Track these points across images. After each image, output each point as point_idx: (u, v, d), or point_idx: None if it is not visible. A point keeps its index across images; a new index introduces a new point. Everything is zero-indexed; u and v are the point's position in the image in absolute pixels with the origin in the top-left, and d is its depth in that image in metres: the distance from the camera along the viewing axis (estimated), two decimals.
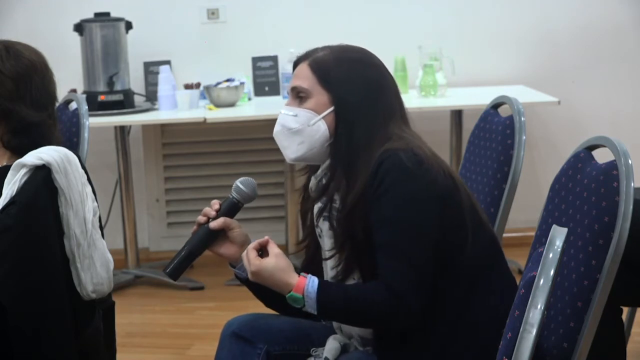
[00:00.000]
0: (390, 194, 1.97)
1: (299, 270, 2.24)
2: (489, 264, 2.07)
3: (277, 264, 2.00)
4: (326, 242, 2.13)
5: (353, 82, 2.06)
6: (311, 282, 1.98)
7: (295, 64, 2.13)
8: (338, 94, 2.06)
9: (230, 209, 2.16)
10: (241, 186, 2.15)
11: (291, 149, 2.11)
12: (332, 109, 2.06)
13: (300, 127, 2.08)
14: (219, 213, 2.15)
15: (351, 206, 2.01)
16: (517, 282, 1.99)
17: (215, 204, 2.16)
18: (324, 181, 2.11)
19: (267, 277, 2.00)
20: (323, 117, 2.07)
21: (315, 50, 2.12)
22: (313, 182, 2.15)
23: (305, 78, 2.08)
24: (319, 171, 2.14)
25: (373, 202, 1.99)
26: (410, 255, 1.96)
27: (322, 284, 1.99)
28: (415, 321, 2.00)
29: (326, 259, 2.13)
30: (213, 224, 2.12)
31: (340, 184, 2.05)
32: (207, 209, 2.16)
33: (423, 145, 2.05)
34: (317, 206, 2.13)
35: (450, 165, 4.61)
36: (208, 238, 2.12)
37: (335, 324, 2.21)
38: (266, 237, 2.05)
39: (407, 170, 1.96)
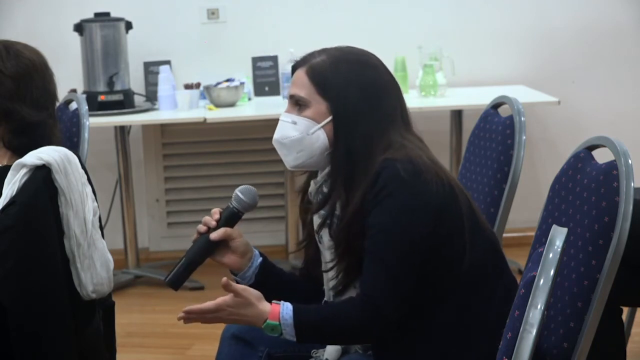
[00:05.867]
0: (386, 203, 1.96)
1: (299, 270, 2.24)
2: (489, 268, 2.07)
3: (251, 294, 1.97)
4: (326, 254, 2.13)
5: (351, 90, 2.03)
6: (285, 308, 1.96)
7: (294, 69, 2.10)
8: (336, 104, 2.04)
9: (231, 219, 2.14)
10: (241, 195, 2.12)
11: (291, 157, 2.09)
12: (330, 118, 2.04)
13: (300, 136, 2.06)
14: (220, 223, 2.13)
15: (350, 217, 2.00)
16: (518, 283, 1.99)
17: (216, 213, 2.14)
18: (324, 188, 2.10)
19: (240, 312, 1.97)
20: (322, 127, 2.05)
21: (313, 55, 2.09)
22: (313, 187, 2.14)
23: (302, 86, 2.05)
24: (319, 177, 2.12)
25: (370, 211, 1.98)
26: (393, 266, 1.95)
27: (296, 307, 1.97)
28: (391, 331, 2.00)
29: (326, 271, 2.12)
30: (214, 235, 2.10)
31: (340, 194, 2.04)
32: (207, 218, 2.14)
33: (423, 153, 2.02)
34: (318, 215, 2.12)
35: (450, 166, 4.69)
36: (208, 248, 2.11)
37: None
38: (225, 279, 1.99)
39: (403, 182, 1.95)
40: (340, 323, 1.97)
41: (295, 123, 2.06)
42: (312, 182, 2.15)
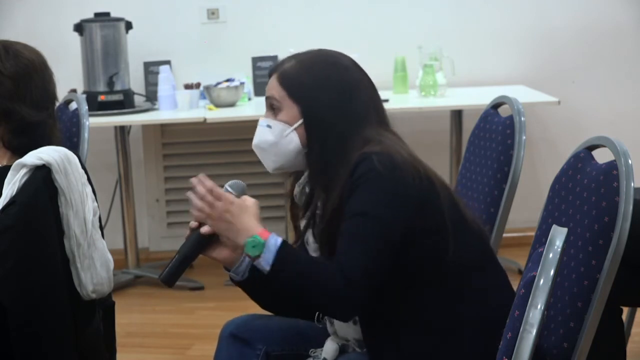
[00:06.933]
0: (361, 192, 1.96)
1: None
2: (478, 263, 2.07)
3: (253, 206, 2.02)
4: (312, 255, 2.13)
5: (320, 92, 2.06)
6: (275, 237, 1.98)
7: (269, 76, 2.14)
8: (306, 106, 2.07)
9: None
10: (230, 189, 2.13)
11: (269, 160, 2.12)
12: (301, 121, 2.07)
13: (275, 140, 2.09)
14: None
15: (330, 215, 2.01)
16: (515, 281, 1.99)
17: None
18: (306, 190, 2.12)
19: (237, 214, 2.00)
20: (294, 129, 2.07)
21: (284, 61, 2.13)
22: (297, 189, 2.16)
23: (275, 91, 2.10)
24: (302, 179, 2.15)
25: (346, 201, 1.98)
26: (368, 248, 1.94)
27: (286, 243, 1.98)
28: (356, 313, 2.01)
29: None
30: (204, 229, 2.10)
31: (320, 194, 2.06)
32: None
33: (401, 149, 2.03)
34: (305, 218, 2.13)
35: (450, 166, 4.69)
36: (200, 243, 2.11)
37: (330, 329, 2.20)
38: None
39: (379, 173, 1.96)
40: (315, 281, 1.95)
41: (270, 127, 2.10)
42: (296, 185, 2.16)
